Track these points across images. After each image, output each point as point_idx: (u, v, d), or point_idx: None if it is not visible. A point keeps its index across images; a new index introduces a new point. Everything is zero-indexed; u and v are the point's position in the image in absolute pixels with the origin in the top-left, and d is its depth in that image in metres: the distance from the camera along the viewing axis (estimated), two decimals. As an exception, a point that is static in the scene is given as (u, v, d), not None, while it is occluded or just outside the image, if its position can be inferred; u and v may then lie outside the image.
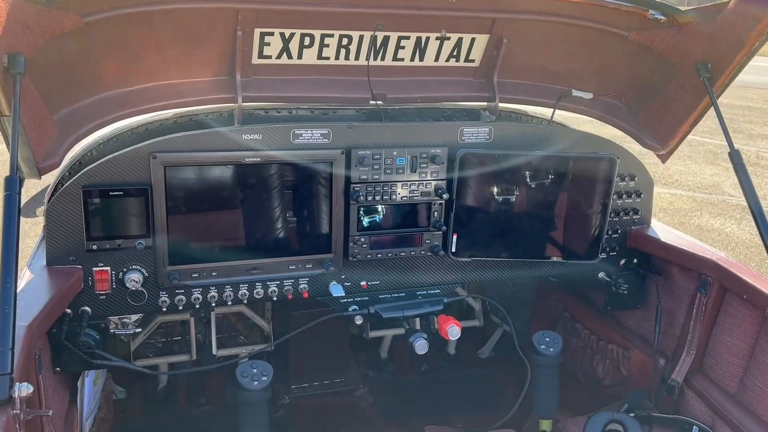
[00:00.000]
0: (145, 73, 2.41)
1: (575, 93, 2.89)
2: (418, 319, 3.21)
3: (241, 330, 3.46)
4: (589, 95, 2.90)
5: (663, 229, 2.95)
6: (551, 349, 2.77)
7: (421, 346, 2.59)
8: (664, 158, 3.01)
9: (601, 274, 2.96)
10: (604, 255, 2.90)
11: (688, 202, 8.23)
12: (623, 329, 3.10)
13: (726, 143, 2.53)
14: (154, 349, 3.30)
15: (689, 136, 2.95)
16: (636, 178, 2.89)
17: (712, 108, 2.60)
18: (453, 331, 2.64)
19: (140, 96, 2.43)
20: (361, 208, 2.60)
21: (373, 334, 3.55)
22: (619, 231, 2.93)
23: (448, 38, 2.62)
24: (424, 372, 3.81)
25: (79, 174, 2.27)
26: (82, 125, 2.34)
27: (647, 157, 3.25)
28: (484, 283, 3.63)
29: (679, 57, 2.63)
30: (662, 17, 2.49)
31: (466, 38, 2.65)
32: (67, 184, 2.26)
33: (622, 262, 2.98)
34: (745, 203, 2.41)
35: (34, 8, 1.93)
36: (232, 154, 2.38)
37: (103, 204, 2.28)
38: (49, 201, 2.29)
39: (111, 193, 2.28)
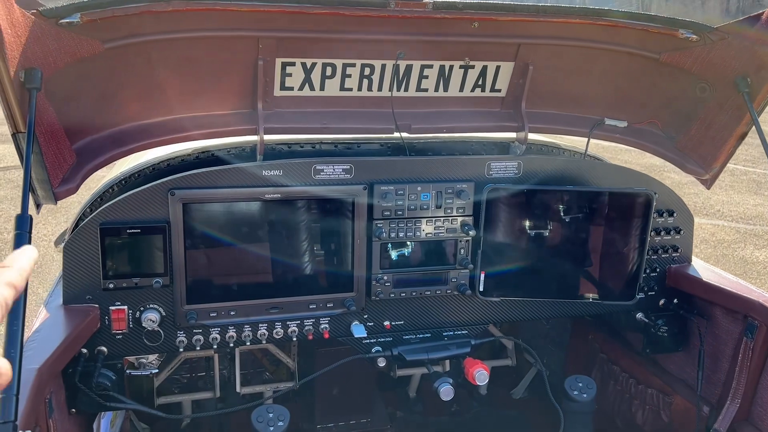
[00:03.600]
0: (166, 104, 2.38)
1: (608, 122, 2.77)
2: (448, 361, 3.09)
3: (267, 366, 3.40)
4: (623, 123, 2.77)
5: (705, 268, 2.79)
6: (584, 395, 2.62)
7: (446, 392, 2.47)
8: (708, 183, 2.84)
9: (639, 315, 2.80)
10: (641, 295, 2.75)
11: (731, 234, 7.94)
12: (664, 373, 2.92)
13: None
14: (179, 385, 3.25)
15: (731, 165, 2.81)
16: (675, 214, 2.75)
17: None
18: (480, 376, 2.52)
19: (161, 128, 2.40)
20: (385, 245, 2.51)
21: (401, 372, 3.44)
22: (658, 270, 2.77)
23: (472, 66, 2.54)
24: (454, 413, 3.67)
25: (96, 211, 2.24)
26: (101, 154, 2.31)
27: (686, 187, 3.10)
28: (517, 321, 3.49)
29: (715, 75, 2.50)
30: (694, 36, 2.38)
31: (491, 66, 2.57)
32: (85, 221, 2.23)
33: (662, 302, 2.81)
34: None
35: (53, 29, 1.91)
36: (252, 190, 2.33)
37: (121, 242, 2.24)
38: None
39: (129, 231, 2.24)
